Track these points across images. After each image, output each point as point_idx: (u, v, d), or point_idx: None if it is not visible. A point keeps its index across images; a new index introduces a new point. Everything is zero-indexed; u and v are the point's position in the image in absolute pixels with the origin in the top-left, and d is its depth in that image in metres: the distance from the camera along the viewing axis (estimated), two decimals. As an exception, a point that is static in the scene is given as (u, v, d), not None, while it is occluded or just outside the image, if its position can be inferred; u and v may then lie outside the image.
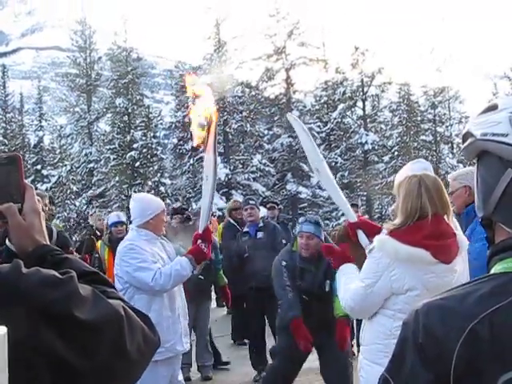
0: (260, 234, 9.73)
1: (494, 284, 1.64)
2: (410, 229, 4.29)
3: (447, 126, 50.90)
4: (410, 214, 4.31)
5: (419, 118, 49.62)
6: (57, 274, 1.61)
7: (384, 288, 4.34)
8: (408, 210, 4.32)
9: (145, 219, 6.28)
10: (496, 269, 1.69)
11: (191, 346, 10.04)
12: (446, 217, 4.39)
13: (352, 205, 5.11)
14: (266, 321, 9.90)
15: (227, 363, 10.76)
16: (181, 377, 6.53)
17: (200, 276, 9.76)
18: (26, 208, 1.87)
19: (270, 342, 9.95)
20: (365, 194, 43.04)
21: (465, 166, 47.63)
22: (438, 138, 49.13)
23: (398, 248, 4.25)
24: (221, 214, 26.23)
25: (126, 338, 1.60)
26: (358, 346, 6.91)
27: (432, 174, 4.54)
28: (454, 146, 51.28)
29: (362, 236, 5.02)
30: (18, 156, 1.89)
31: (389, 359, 1.72)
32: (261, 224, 10.14)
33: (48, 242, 1.90)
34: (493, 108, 1.75)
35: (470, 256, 4.72)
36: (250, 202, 10.45)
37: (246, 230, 10.25)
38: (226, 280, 10.34)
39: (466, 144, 1.80)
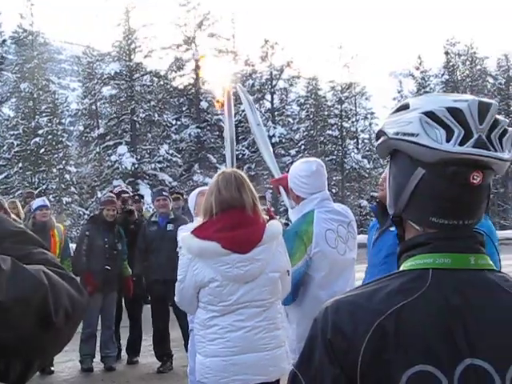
0: (170, 227, 9.59)
1: (402, 281, 1.67)
2: (205, 224, 4.59)
3: (353, 122, 51.76)
4: (207, 210, 4.60)
5: (326, 113, 50.33)
6: None
7: (190, 282, 4.60)
8: (204, 208, 4.64)
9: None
10: (405, 266, 1.73)
11: (96, 336, 9.97)
12: (249, 209, 4.60)
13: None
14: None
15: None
16: None
17: (107, 266, 9.67)
18: None
19: (174, 333, 9.93)
20: (271, 186, 43.21)
21: (369, 162, 48.73)
22: (344, 133, 49.89)
23: (191, 243, 4.55)
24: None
25: (51, 309, 1.56)
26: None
27: (230, 170, 4.88)
28: (359, 141, 52.21)
29: (283, 193, 5.54)
30: None
31: (299, 354, 1.74)
32: (172, 216, 10.04)
33: None
34: (405, 107, 1.76)
35: None
36: (164, 193, 10.35)
37: (154, 219, 10.12)
38: (130, 271, 10.23)
39: (379, 142, 1.81)
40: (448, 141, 1.62)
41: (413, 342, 1.57)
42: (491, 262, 1.72)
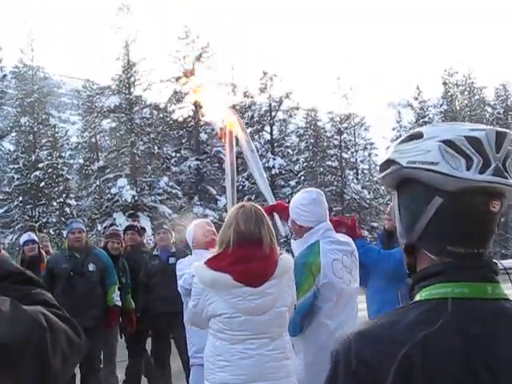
0: (172, 260, 9.50)
1: (420, 311, 1.66)
2: (219, 256, 4.63)
3: (352, 152, 51.91)
4: (223, 242, 4.64)
5: (325, 144, 50.48)
6: None
7: (202, 310, 4.64)
8: (221, 239, 4.68)
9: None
10: (421, 296, 1.71)
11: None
12: (266, 245, 4.63)
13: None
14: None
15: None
16: None
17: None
18: None
19: (175, 365, 9.86)
20: (271, 218, 43.10)
21: (369, 192, 48.77)
22: (344, 164, 49.99)
23: (204, 274, 4.60)
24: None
25: (48, 350, 1.55)
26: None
27: (249, 205, 4.85)
28: (359, 171, 52.32)
29: (277, 219, 5.70)
30: None
31: None
32: (173, 249, 9.99)
33: None
34: (418, 136, 1.75)
35: None
36: (164, 226, 10.37)
37: (156, 253, 10.06)
38: (133, 305, 10.10)
39: (388, 171, 1.79)
40: (468, 169, 1.62)
41: (438, 373, 1.55)
42: (505, 292, 1.72)
